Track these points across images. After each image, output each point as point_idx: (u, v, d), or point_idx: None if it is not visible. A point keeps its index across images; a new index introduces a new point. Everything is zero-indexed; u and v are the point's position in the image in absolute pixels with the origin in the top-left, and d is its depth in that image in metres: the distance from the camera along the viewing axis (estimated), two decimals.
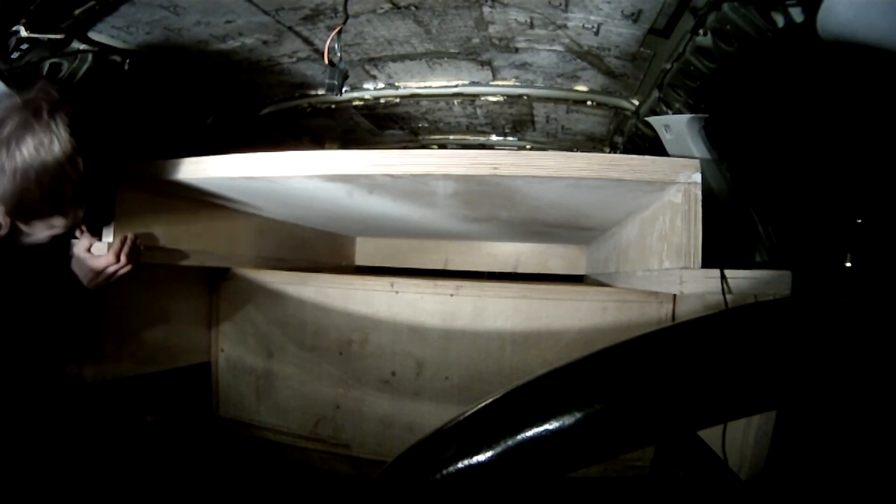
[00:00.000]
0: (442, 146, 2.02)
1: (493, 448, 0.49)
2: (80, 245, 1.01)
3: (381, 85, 1.55)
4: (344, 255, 2.33)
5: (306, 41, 1.26)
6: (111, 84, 1.24)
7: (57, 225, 0.89)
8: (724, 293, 0.79)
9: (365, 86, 1.55)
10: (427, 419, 1.54)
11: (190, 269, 1.56)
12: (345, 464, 1.62)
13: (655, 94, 1.26)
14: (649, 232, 1.00)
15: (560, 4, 1.05)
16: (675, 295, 1.42)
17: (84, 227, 1.03)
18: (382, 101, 1.61)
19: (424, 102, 1.63)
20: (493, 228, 1.70)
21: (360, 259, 2.41)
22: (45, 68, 1.04)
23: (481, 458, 0.50)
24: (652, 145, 1.38)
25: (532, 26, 1.15)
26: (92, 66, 1.10)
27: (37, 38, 1.00)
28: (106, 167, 0.97)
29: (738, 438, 0.94)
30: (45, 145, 0.80)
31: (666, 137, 1.22)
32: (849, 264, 1.46)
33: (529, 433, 0.49)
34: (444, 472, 0.50)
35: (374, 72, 1.46)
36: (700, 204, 0.82)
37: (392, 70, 1.45)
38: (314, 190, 1.08)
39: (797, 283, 0.80)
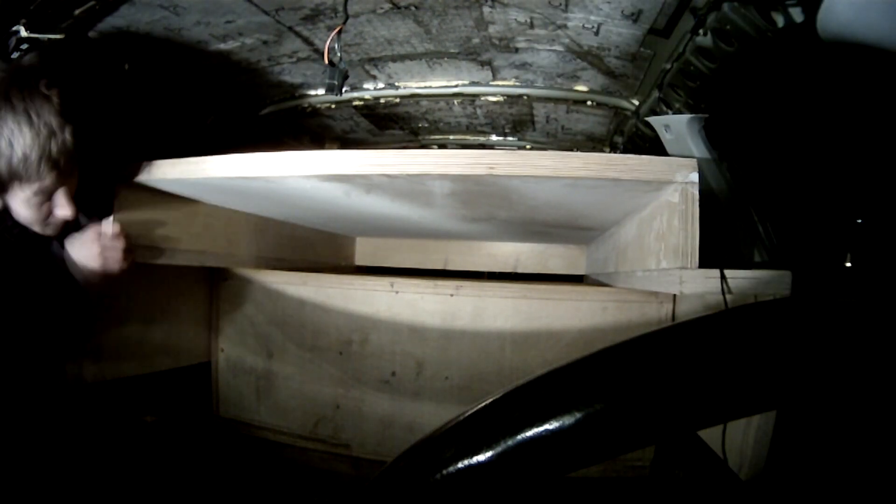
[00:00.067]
0: (442, 146, 2.02)
1: (492, 448, 0.49)
2: (76, 241, 1.01)
3: (381, 85, 1.55)
4: (344, 255, 2.33)
5: (306, 41, 1.26)
6: (111, 84, 1.25)
7: (33, 199, 0.89)
8: (723, 293, 0.79)
9: (365, 86, 1.55)
10: (427, 419, 1.54)
11: (190, 269, 1.56)
12: (345, 464, 1.62)
13: (655, 94, 1.26)
14: (647, 232, 1.00)
15: (560, 4, 1.05)
16: (674, 295, 1.42)
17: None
18: (382, 101, 1.61)
19: (424, 102, 1.63)
20: (493, 228, 1.70)
21: (361, 259, 2.41)
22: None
23: (481, 458, 0.50)
24: (652, 145, 1.38)
25: (532, 26, 1.15)
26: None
27: (37, 38, 1.00)
28: (104, 161, 0.97)
29: (738, 438, 0.94)
30: (19, 124, 0.81)
31: (666, 137, 1.22)
32: (849, 264, 1.46)
33: (529, 433, 0.49)
34: (444, 472, 0.50)
35: (374, 72, 1.46)
36: (697, 203, 0.82)
37: (392, 70, 1.45)
38: (312, 190, 1.08)
39: (797, 283, 0.80)
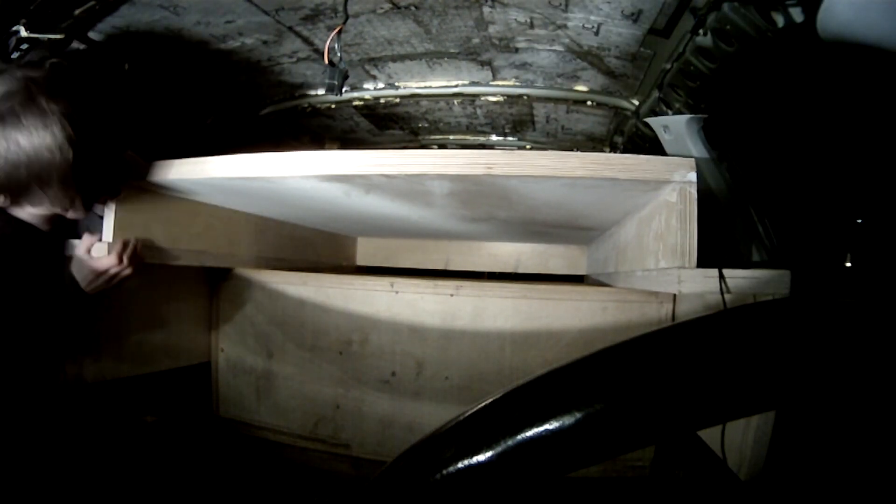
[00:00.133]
0: (442, 146, 2.02)
1: (493, 448, 0.50)
2: (81, 246, 1.01)
3: (381, 85, 1.55)
4: (345, 255, 2.33)
5: (306, 41, 1.26)
6: (111, 84, 1.25)
7: (43, 208, 0.91)
8: (722, 293, 0.79)
9: (365, 86, 1.55)
10: (427, 419, 1.54)
11: (190, 269, 1.56)
12: (345, 464, 1.62)
13: (655, 94, 1.26)
14: (646, 231, 1.00)
15: (560, 4, 1.05)
16: (674, 295, 1.42)
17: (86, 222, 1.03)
18: (382, 101, 1.61)
19: (424, 102, 1.63)
20: (493, 228, 1.70)
21: (362, 259, 2.40)
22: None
23: (481, 458, 0.50)
24: (652, 145, 1.38)
25: (532, 26, 1.15)
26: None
27: (37, 38, 1.00)
28: (109, 161, 0.97)
29: (738, 438, 0.94)
30: (38, 131, 0.81)
31: (665, 138, 1.22)
32: (849, 264, 1.46)
33: (529, 433, 0.49)
34: (444, 472, 0.50)
35: (374, 72, 1.46)
36: (695, 203, 0.81)
37: (392, 70, 1.45)
38: (312, 190, 1.08)
39: (797, 282, 0.80)
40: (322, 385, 1.65)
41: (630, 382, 0.51)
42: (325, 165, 0.91)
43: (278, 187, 1.08)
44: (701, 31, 0.97)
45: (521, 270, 2.21)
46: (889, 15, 0.68)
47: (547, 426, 0.48)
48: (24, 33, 0.98)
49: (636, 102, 1.45)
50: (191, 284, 1.66)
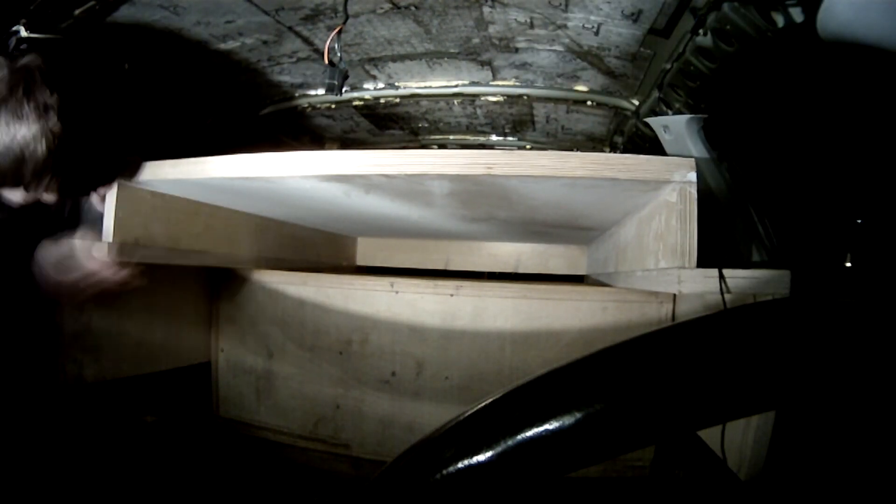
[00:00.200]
0: (442, 146, 2.02)
1: (493, 448, 0.50)
2: (80, 245, 1.01)
3: (381, 85, 1.55)
4: (345, 255, 2.34)
5: (306, 41, 1.26)
6: (104, 80, 1.24)
7: (14, 197, 0.92)
8: (722, 293, 0.79)
9: (365, 86, 1.55)
10: (427, 419, 1.54)
11: (190, 269, 1.56)
12: (345, 464, 1.62)
13: (655, 94, 1.26)
14: (646, 231, 1.00)
15: (560, 4, 1.05)
16: (674, 295, 1.42)
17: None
18: (382, 101, 1.61)
19: (424, 102, 1.63)
20: (493, 228, 1.70)
21: (362, 259, 2.41)
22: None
23: (481, 458, 0.50)
24: (652, 145, 1.38)
25: (532, 26, 1.15)
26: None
27: (37, 38, 1.00)
28: (103, 158, 0.97)
29: (738, 438, 0.94)
30: (10, 125, 0.81)
31: (665, 138, 1.22)
32: (849, 264, 1.46)
33: (529, 433, 0.49)
34: (444, 472, 0.50)
35: (374, 72, 1.46)
36: (695, 203, 0.82)
37: (392, 70, 1.45)
38: (312, 190, 1.08)
39: (796, 282, 0.80)
40: (322, 385, 1.65)
41: (630, 382, 0.51)
42: (325, 165, 0.91)
43: (278, 187, 1.08)
44: (701, 31, 0.97)
45: (521, 270, 2.21)
46: (889, 15, 0.68)
47: (547, 426, 0.48)
48: (24, 33, 0.98)
49: (636, 102, 1.45)
50: (191, 284, 1.66)
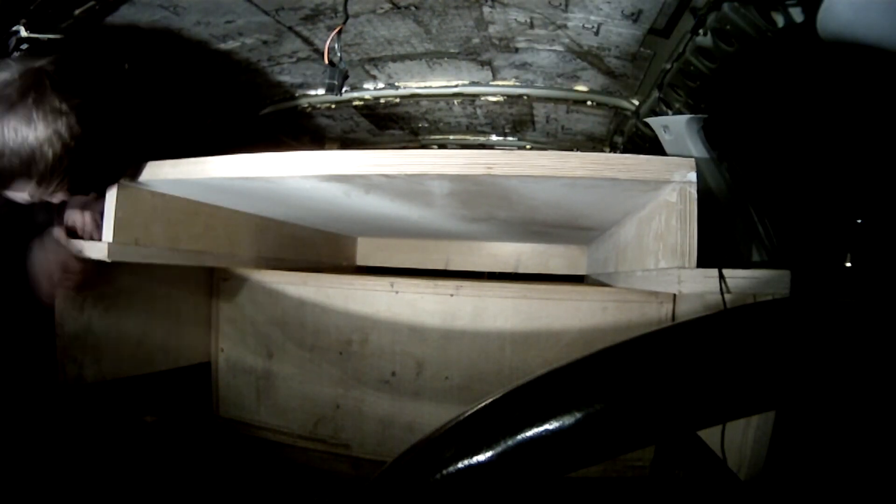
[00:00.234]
0: (442, 146, 2.02)
1: (493, 448, 0.50)
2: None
3: (381, 85, 1.55)
4: (345, 255, 2.34)
5: (306, 41, 1.26)
6: (111, 82, 1.24)
7: (20, 197, 0.92)
8: (722, 293, 0.79)
9: (365, 86, 1.55)
10: (427, 419, 1.54)
11: (190, 269, 1.56)
12: (345, 464, 1.62)
13: (655, 94, 1.26)
14: (646, 231, 1.00)
15: (560, 4, 1.05)
16: (674, 295, 1.42)
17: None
18: (382, 101, 1.61)
19: (424, 102, 1.63)
20: (493, 228, 1.70)
21: (362, 259, 2.41)
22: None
23: (481, 458, 0.50)
24: (652, 145, 1.38)
25: (532, 26, 1.15)
26: None
27: (37, 38, 1.00)
28: (111, 159, 0.97)
29: (738, 438, 0.94)
30: (20, 129, 0.82)
31: (665, 138, 1.22)
32: (849, 264, 1.46)
33: (529, 433, 0.49)
34: (444, 472, 0.50)
35: (374, 72, 1.46)
36: (695, 203, 0.82)
37: (392, 70, 1.45)
38: (312, 190, 1.08)
39: (797, 282, 0.80)
40: (322, 385, 1.65)
41: (630, 382, 0.51)
42: (325, 165, 0.91)
43: (278, 187, 1.08)
44: (701, 31, 0.97)
45: (521, 270, 2.21)
46: (889, 15, 0.68)
47: (547, 426, 0.49)
48: (24, 33, 0.98)
49: (636, 102, 1.45)
50: (191, 284, 1.66)
